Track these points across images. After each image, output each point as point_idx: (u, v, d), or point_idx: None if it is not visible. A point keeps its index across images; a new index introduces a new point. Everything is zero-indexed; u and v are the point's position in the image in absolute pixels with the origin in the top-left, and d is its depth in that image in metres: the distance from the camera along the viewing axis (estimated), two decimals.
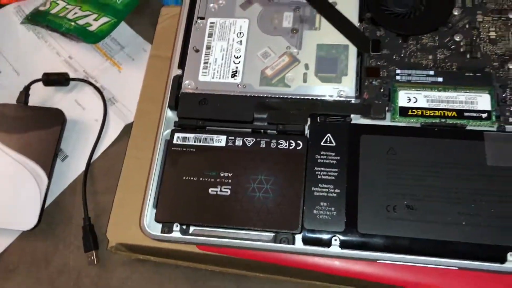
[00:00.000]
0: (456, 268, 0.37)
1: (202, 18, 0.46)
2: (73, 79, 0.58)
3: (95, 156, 0.55)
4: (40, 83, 0.58)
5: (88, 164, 0.54)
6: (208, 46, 0.45)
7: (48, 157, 0.53)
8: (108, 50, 0.61)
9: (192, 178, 0.40)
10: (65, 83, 0.58)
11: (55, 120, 0.55)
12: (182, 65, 0.44)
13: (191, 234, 0.40)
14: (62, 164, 0.55)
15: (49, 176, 0.52)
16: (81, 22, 0.59)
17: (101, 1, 0.60)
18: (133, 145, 0.51)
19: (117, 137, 0.56)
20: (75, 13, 0.60)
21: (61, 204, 0.53)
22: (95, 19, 0.59)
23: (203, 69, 0.44)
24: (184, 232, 0.39)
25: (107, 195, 0.52)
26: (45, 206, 0.52)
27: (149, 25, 0.60)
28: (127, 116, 0.57)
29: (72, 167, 0.55)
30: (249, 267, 0.45)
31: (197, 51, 0.45)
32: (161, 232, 0.39)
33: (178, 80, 0.44)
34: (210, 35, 0.45)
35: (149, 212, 0.40)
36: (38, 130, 0.54)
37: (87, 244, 0.50)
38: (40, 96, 0.58)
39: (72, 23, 0.58)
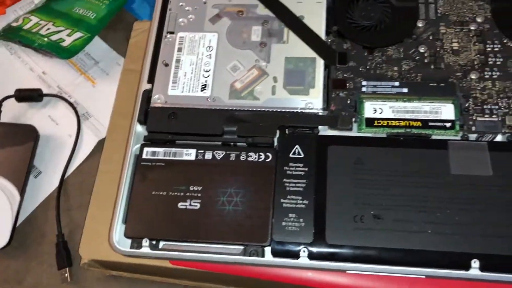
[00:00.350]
0: (424, 277, 0.37)
1: (172, 33, 0.46)
2: (46, 95, 0.58)
3: (69, 172, 0.55)
4: (13, 99, 0.57)
5: (62, 180, 0.54)
6: (178, 60, 0.45)
7: (20, 174, 0.52)
8: (82, 65, 0.61)
9: (161, 193, 0.40)
10: (38, 98, 0.58)
11: (27, 136, 0.54)
12: (151, 79, 0.45)
13: (161, 249, 0.40)
14: (35, 180, 0.55)
15: (22, 193, 0.52)
16: (54, 37, 0.59)
17: (74, 17, 0.60)
18: (105, 160, 0.51)
19: (91, 152, 0.56)
20: (48, 29, 0.59)
21: (34, 221, 0.53)
22: (68, 35, 0.59)
23: (172, 83, 0.44)
24: (153, 247, 0.39)
25: (81, 211, 0.52)
26: (17, 224, 0.52)
27: (123, 39, 0.60)
28: (101, 131, 0.57)
29: (45, 184, 0.54)
30: (224, 281, 0.45)
31: (166, 65, 0.45)
32: (131, 248, 0.39)
33: (147, 95, 0.44)
34: (179, 49, 0.46)
35: (119, 228, 0.40)
36: (10, 146, 0.53)
37: (61, 261, 0.50)
38: (13, 112, 0.58)
39: (45, 39, 0.58)
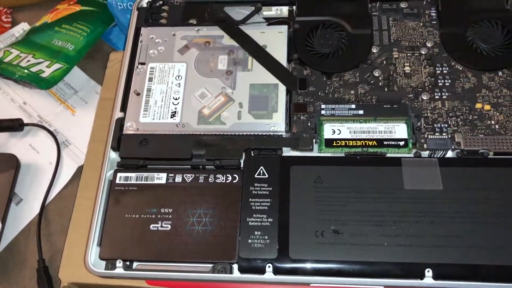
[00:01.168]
0: (382, 287, 0.39)
1: (143, 64, 0.49)
2: (27, 124, 0.60)
3: (50, 199, 0.56)
4: None
5: (43, 206, 0.55)
6: (149, 90, 0.48)
7: (1, 202, 0.54)
8: (62, 94, 0.63)
9: (134, 216, 0.42)
10: (19, 128, 0.60)
11: (8, 165, 0.56)
12: (124, 108, 0.47)
13: (135, 269, 0.42)
14: (16, 208, 0.56)
15: (3, 220, 0.53)
16: (34, 69, 0.61)
17: (53, 48, 0.63)
18: (83, 186, 0.52)
19: (71, 179, 0.57)
20: (28, 61, 0.62)
21: (16, 247, 0.54)
22: (48, 66, 0.61)
23: (144, 111, 0.47)
24: (127, 267, 0.41)
25: (62, 236, 0.53)
26: None
27: (101, 69, 0.63)
28: (80, 157, 0.58)
29: (26, 211, 0.56)
30: None
31: (138, 94, 0.48)
32: (105, 269, 0.41)
33: (120, 123, 0.46)
34: (150, 79, 0.48)
35: (94, 250, 0.42)
36: None
37: (42, 286, 0.51)
38: None
39: (25, 71, 0.61)
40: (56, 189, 0.57)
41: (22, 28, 0.69)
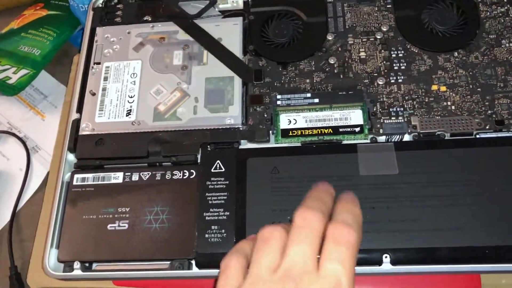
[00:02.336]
0: None
1: (98, 63, 0.49)
2: None
3: (21, 205, 0.56)
4: None
5: (14, 213, 0.55)
6: (104, 89, 0.47)
7: None
8: (31, 100, 0.63)
9: (91, 216, 0.42)
10: None
11: None
12: (80, 109, 0.47)
13: (93, 270, 0.41)
14: None
15: None
16: (0, 76, 0.61)
17: (20, 54, 0.62)
18: (49, 191, 0.52)
19: (41, 184, 0.57)
20: None
21: None
22: (14, 72, 0.61)
23: (99, 111, 0.46)
24: (85, 269, 0.41)
25: (33, 242, 0.53)
26: None
27: (69, 73, 0.62)
28: (50, 162, 0.58)
29: None
30: None
31: (93, 94, 0.47)
32: (63, 272, 0.41)
33: (76, 124, 0.46)
34: (105, 78, 0.48)
35: (52, 253, 0.42)
36: None
37: None
38: None
39: None
40: (27, 195, 0.57)
41: None
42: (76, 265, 0.41)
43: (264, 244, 0.28)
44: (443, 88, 0.43)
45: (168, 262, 0.41)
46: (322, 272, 0.27)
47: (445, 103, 0.43)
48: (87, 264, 0.41)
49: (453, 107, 0.42)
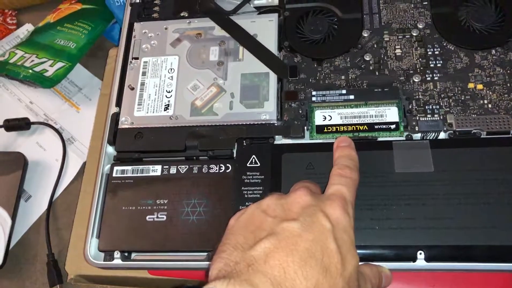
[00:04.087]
0: None
1: (136, 58, 0.50)
2: (34, 123, 0.62)
3: (57, 194, 0.58)
4: (2, 129, 0.61)
5: (51, 202, 0.57)
6: (142, 84, 0.49)
7: (11, 199, 0.56)
8: (66, 92, 0.65)
9: (130, 208, 0.43)
10: (26, 127, 0.62)
11: (16, 163, 0.58)
12: (119, 103, 0.48)
13: (132, 260, 0.43)
14: (25, 204, 0.58)
15: (13, 217, 0.55)
16: (37, 68, 0.63)
17: (56, 48, 0.64)
18: (86, 181, 0.54)
19: (76, 174, 0.59)
20: (32, 61, 0.63)
21: (26, 242, 0.56)
22: (51, 65, 0.63)
23: (138, 105, 0.48)
24: (125, 258, 0.42)
25: (69, 230, 0.54)
26: (10, 247, 0.55)
27: (103, 66, 0.64)
28: (85, 154, 0.60)
29: (35, 207, 0.58)
30: None
31: (132, 89, 0.48)
32: (104, 260, 0.42)
33: (115, 117, 0.47)
34: (143, 73, 0.49)
35: (93, 243, 0.43)
36: (0, 174, 0.57)
37: (52, 279, 0.53)
38: (2, 141, 0.62)
39: (30, 70, 0.62)
40: (63, 185, 0.59)
41: (27, 29, 0.71)
42: (116, 254, 0.42)
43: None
44: (479, 86, 0.43)
45: (205, 254, 0.42)
46: (329, 190, 0.35)
47: (481, 101, 0.43)
48: (126, 254, 0.43)
49: (489, 106, 0.42)
